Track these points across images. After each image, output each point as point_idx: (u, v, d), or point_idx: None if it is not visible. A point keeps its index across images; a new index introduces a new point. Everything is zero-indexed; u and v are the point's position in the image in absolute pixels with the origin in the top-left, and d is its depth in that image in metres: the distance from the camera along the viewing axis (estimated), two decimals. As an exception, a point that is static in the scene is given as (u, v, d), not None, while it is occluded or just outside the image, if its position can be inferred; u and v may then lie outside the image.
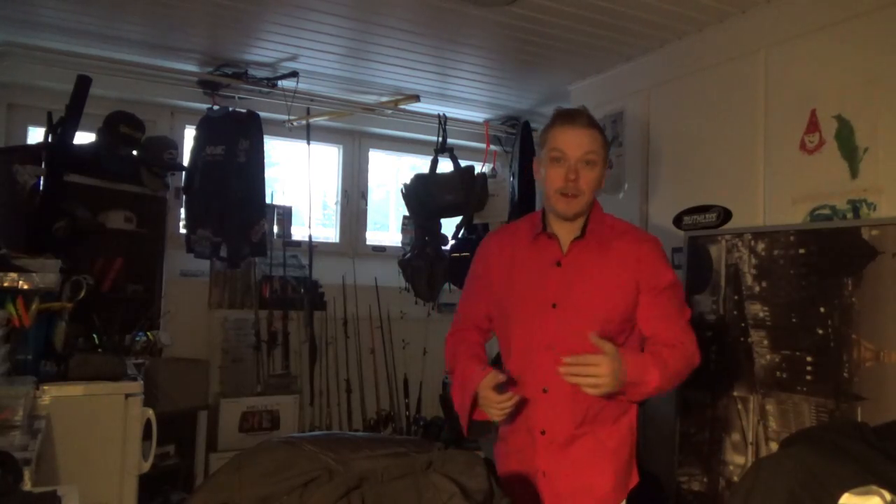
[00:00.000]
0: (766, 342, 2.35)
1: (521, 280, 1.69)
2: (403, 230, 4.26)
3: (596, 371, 1.45)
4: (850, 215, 2.20)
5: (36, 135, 3.47)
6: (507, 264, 1.72)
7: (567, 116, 1.64)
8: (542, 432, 1.63)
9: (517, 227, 1.81)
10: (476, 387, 1.57)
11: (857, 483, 0.98)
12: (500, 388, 1.55)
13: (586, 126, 1.63)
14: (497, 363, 1.78)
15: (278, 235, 3.91)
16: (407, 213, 4.07)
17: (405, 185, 3.88)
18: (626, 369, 1.48)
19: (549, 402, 1.62)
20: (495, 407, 1.55)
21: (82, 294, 2.32)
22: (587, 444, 1.63)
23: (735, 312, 2.46)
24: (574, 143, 1.60)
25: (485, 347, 1.80)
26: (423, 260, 3.86)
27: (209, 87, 3.60)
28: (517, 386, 1.62)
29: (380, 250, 4.42)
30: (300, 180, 4.03)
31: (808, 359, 2.21)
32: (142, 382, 2.28)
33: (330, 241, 4.35)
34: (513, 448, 1.70)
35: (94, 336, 2.63)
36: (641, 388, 1.53)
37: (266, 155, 3.70)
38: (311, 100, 3.79)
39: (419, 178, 3.87)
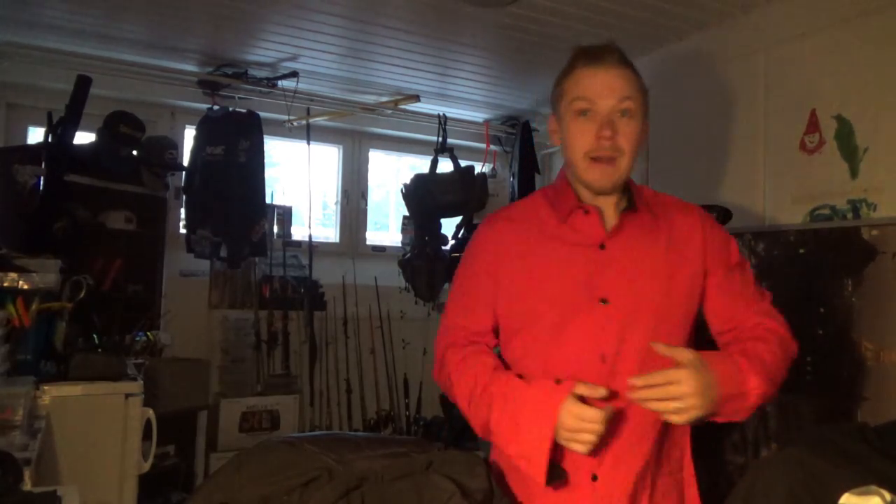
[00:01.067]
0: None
1: (551, 269, 1.25)
2: (403, 230, 4.27)
3: (679, 391, 1.07)
4: (850, 215, 2.20)
5: (36, 135, 3.46)
6: (524, 251, 1.28)
7: (592, 55, 1.24)
8: (594, 478, 1.19)
9: (529, 206, 1.36)
10: (559, 407, 1.09)
11: (857, 483, 0.98)
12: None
13: (619, 64, 1.22)
14: None
15: (278, 235, 3.91)
16: (407, 213, 4.08)
17: (405, 185, 3.88)
18: (718, 380, 1.10)
19: (609, 436, 1.16)
20: (589, 427, 1.07)
21: (82, 294, 2.32)
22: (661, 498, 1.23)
23: (735, 312, 2.46)
24: (605, 87, 1.20)
25: None
26: (423, 260, 3.86)
27: (209, 87, 3.60)
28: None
29: (380, 250, 4.42)
30: (300, 180, 4.03)
31: (808, 359, 2.21)
32: (142, 382, 2.28)
33: (330, 241, 4.35)
34: (534, 494, 1.21)
35: (94, 336, 2.63)
36: (741, 401, 1.15)
37: (266, 155, 3.70)
38: (311, 100, 3.79)
39: (419, 178, 3.87)
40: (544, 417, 1.10)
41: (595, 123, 1.21)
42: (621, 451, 1.20)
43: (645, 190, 1.37)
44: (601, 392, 1.11)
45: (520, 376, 1.21)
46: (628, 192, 1.31)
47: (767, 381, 1.17)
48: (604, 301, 1.21)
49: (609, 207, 1.29)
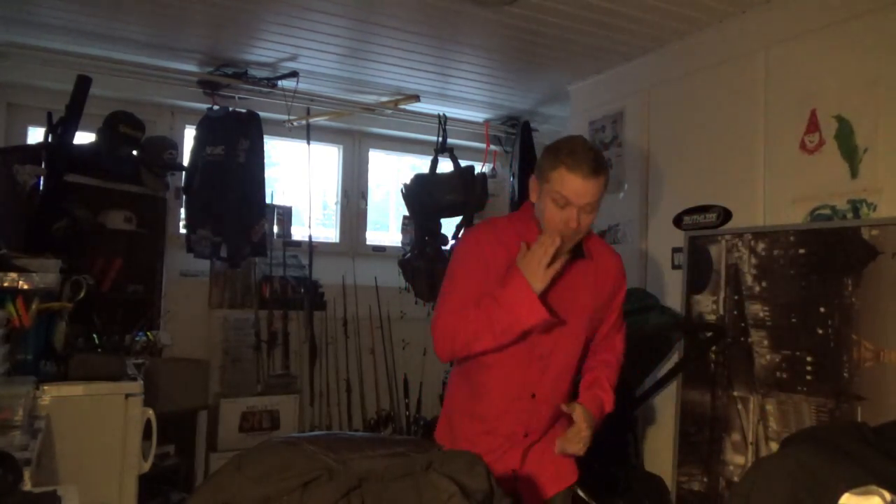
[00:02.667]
0: (766, 342, 2.35)
1: None
2: (403, 230, 4.27)
3: (585, 436, 1.64)
4: (850, 215, 2.20)
5: (36, 135, 3.47)
6: (504, 265, 1.62)
7: (574, 163, 1.53)
8: (525, 434, 1.69)
9: (506, 229, 1.71)
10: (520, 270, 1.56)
11: (857, 483, 0.98)
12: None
13: (593, 174, 1.54)
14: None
15: (278, 235, 3.92)
16: (407, 213, 4.08)
17: (405, 185, 3.88)
18: (595, 414, 1.67)
19: (535, 406, 1.68)
20: (550, 246, 1.53)
21: (82, 294, 2.32)
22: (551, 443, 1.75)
23: (735, 312, 2.46)
24: (580, 192, 1.54)
25: None
26: (423, 260, 3.86)
27: (209, 87, 3.60)
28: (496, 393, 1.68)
29: (380, 250, 4.42)
30: (300, 180, 4.04)
31: (808, 359, 2.21)
32: (142, 382, 2.27)
33: (330, 241, 4.35)
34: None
35: (94, 336, 2.63)
36: (601, 418, 1.72)
37: (266, 155, 3.71)
38: (311, 100, 3.79)
39: (419, 178, 3.87)
40: (516, 275, 1.56)
41: (566, 214, 1.56)
42: (547, 417, 1.71)
43: (588, 238, 1.73)
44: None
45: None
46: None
47: (612, 395, 1.73)
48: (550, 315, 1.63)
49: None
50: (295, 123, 3.84)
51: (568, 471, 1.78)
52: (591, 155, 1.55)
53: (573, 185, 1.53)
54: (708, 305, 2.58)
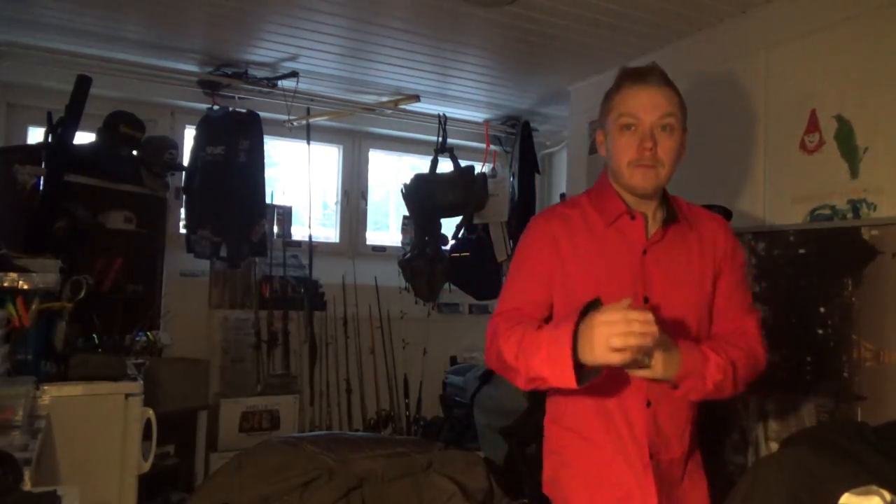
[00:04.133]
0: (766, 342, 2.35)
1: (604, 270, 1.38)
2: (403, 230, 4.27)
3: (652, 335, 1.12)
4: (850, 215, 2.20)
5: (36, 135, 3.47)
6: (577, 252, 1.40)
7: (637, 74, 1.38)
8: (651, 456, 1.35)
9: (574, 209, 1.47)
10: (574, 319, 1.17)
11: (857, 483, 0.98)
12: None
13: (661, 84, 1.36)
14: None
15: (278, 235, 3.91)
16: (407, 213, 4.08)
17: (405, 185, 3.88)
18: (682, 352, 1.24)
19: (653, 416, 1.35)
20: (639, 327, 1.11)
21: (82, 294, 2.31)
22: (696, 481, 1.43)
23: (735, 312, 2.46)
24: (648, 104, 1.33)
25: None
26: (423, 260, 3.86)
27: (209, 87, 3.60)
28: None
29: (380, 250, 4.42)
30: (300, 180, 4.03)
31: (808, 359, 2.21)
32: (142, 382, 2.27)
33: (330, 241, 4.35)
34: (592, 476, 1.37)
35: (94, 336, 2.63)
36: (699, 381, 1.27)
37: (266, 155, 3.70)
38: (311, 100, 3.79)
39: (419, 178, 3.87)
40: (564, 331, 1.18)
41: (639, 136, 1.33)
42: (667, 424, 1.39)
43: (679, 201, 1.48)
44: (626, 302, 1.16)
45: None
46: (666, 203, 1.43)
47: (726, 376, 1.30)
48: (646, 300, 1.35)
49: (650, 215, 1.42)
50: (295, 123, 3.84)
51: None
52: (658, 69, 1.39)
53: (640, 97, 1.34)
54: (708, 305, 2.58)
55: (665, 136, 1.34)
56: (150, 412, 2.23)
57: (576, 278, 1.39)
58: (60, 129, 2.85)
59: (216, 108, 3.62)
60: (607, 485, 1.36)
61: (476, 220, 4.11)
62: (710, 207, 2.68)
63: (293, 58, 3.32)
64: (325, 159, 4.38)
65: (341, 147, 4.40)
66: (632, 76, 1.38)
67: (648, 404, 1.35)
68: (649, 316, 1.12)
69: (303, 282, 3.88)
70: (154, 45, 3.21)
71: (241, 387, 3.65)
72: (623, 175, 1.37)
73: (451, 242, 4.03)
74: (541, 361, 1.21)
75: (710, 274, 1.41)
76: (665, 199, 1.44)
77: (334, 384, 3.91)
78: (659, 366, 1.21)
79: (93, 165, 3.10)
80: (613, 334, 1.10)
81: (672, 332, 1.27)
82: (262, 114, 3.64)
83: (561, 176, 4.45)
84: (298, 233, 4.00)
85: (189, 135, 3.77)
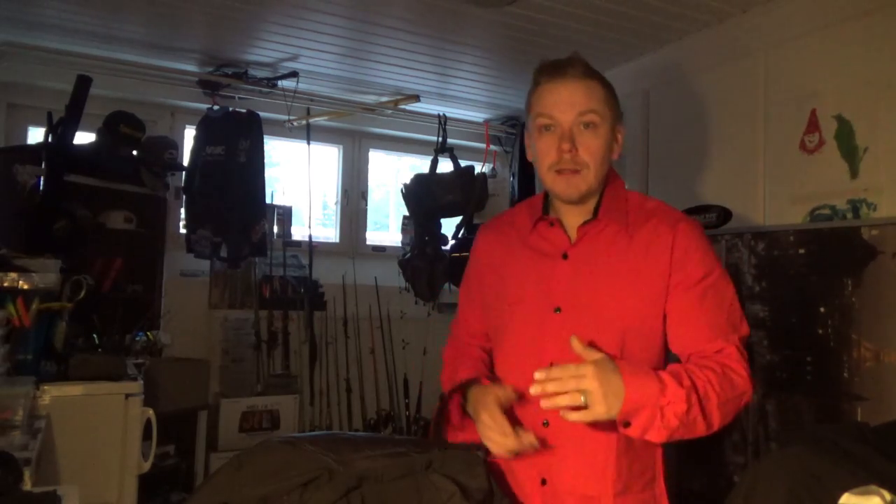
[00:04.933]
0: (766, 342, 2.35)
1: (517, 278, 1.29)
2: (403, 230, 4.26)
3: (580, 385, 1.00)
4: (850, 215, 2.20)
5: (36, 135, 3.46)
6: (500, 261, 1.34)
7: (553, 69, 1.23)
8: (543, 482, 1.22)
9: (514, 214, 1.41)
10: (474, 390, 1.22)
11: (857, 483, 0.98)
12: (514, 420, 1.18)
13: (580, 77, 1.21)
14: None
15: (278, 235, 3.91)
16: (407, 213, 4.08)
17: (405, 185, 3.88)
18: (627, 385, 1.02)
19: (552, 440, 1.20)
20: (498, 436, 1.12)
21: (82, 294, 2.32)
22: None
23: (735, 312, 2.46)
24: (565, 102, 1.20)
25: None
26: (423, 260, 3.86)
27: (209, 87, 3.60)
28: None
29: (380, 250, 4.42)
30: (300, 180, 4.03)
31: (808, 359, 2.21)
32: (142, 382, 2.28)
33: (330, 241, 4.35)
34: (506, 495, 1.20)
35: (94, 336, 2.63)
36: (656, 417, 1.04)
37: (266, 155, 3.70)
38: (311, 100, 3.79)
39: (419, 178, 3.87)
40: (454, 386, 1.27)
41: (557, 137, 1.21)
42: (572, 460, 1.21)
43: (631, 197, 1.31)
44: (513, 396, 1.18)
45: (483, 366, 1.36)
46: (598, 202, 1.28)
47: (693, 405, 1.06)
48: (558, 310, 1.23)
49: (577, 218, 1.28)
50: (295, 123, 3.84)
51: None
52: (577, 60, 1.23)
53: (556, 94, 1.21)
54: (708, 305, 2.58)
55: (588, 136, 1.20)
56: (150, 412, 2.23)
57: (492, 288, 1.34)
58: (60, 129, 2.85)
59: (216, 108, 3.62)
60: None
61: (476, 220, 4.11)
62: (709, 208, 2.70)
63: (293, 58, 3.32)
64: (325, 159, 4.38)
65: (341, 147, 4.40)
66: (547, 71, 1.24)
67: (545, 424, 1.20)
68: (501, 428, 1.14)
69: (303, 282, 3.88)
70: (154, 45, 3.20)
71: (241, 387, 3.65)
72: (545, 180, 1.25)
73: (451, 242, 4.03)
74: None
75: (656, 283, 1.20)
76: (599, 199, 1.27)
77: (334, 384, 3.91)
78: (599, 404, 1.00)
79: (93, 165, 3.10)
80: (487, 438, 1.16)
81: (589, 344, 1.10)
82: (262, 114, 3.63)
83: (561, 176, 4.44)
84: (298, 233, 4.00)
85: (189, 135, 3.77)
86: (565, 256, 1.26)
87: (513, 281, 1.31)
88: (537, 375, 1.03)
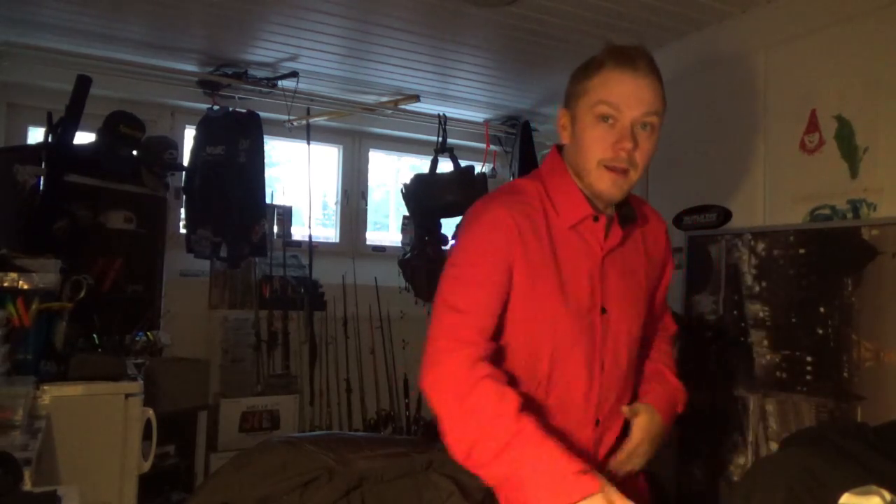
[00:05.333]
0: (766, 342, 2.35)
1: (568, 273, 1.20)
2: (403, 230, 4.26)
3: (642, 451, 1.28)
4: (850, 215, 2.20)
5: (36, 135, 3.46)
6: (535, 248, 1.19)
7: (625, 57, 1.16)
8: (597, 423, 1.28)
9: (533, 201, 1.24)
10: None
11: (857, 483, 0.98)
12: None
13: (650, 73, 1.17)
14: None
15: (278, 235, 3.91)
16: (407, 213, 4.08)
17: (405, 185, 3.88)
18: (665, 421, 1.30)
19: (600, 434, 1.27)
20: None
21: (82, 294, 2.32)
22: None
23: (735, 312, 2.46)
24: (633, 97, 1.14)
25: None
26: (422, 260, 3.85)
27: (209, 87, 3.60)
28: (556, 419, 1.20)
29: (380, 250, 4.42)
30: (300, 180, 4.03)
31: (808, 359, 2.21)
32: (142, 382, 2.28)
33: (330, 241, 4.35)
34: None
35: (94, 336, 2.63)
36: (672, 419, 1.36)
37: (266, 155, 3.70)
38: (311, 100, 3.79)
39: (419, 178, 3.87)
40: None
41: (616, 132, 1.15)
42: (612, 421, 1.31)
43: (630, 197, 1.31)
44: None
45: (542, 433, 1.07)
46: (624, 201, 1.27)
47: (679, 391, 1.39)
48: (604, 311, 1.23)
49: (606, 215, 1.26)
50: (295, 123, 3.84)
51: (642, 489, 1.38)
52: (647, 54, 1.18)
53: (625, 85, 1.14)
54: (708, 305, 2.58)
55: (645, 137, 1.17)
56: (150, 412, 2.23)
57: (536, 281, 1.18)
58: (60, 129, 2.85)
59: (216, 108, 3.62)
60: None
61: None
62: (709, 207, 2.70)
63: (293, 58, 3.32)
64: (325, 159, 4.38)
65: (341, 147, 4.40)
66: (618, 57, 1.16)
67: (597, 423, 1.27)
68: None
69: (303, 282, 3.88)
70: (154, 45, 3.20)
71: (241, 387, 3.65)
72: (589, 174, 1.18)
73: (451, 242, 4.03)
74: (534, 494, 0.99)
75: (654, 276, 1.35)
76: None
77: (334, 384, 3.91)
78: (649, 455, 1.30)
79: (93, 165, 3.10)
80: None
81: (621, 342, 1.25)
82: (262, 114, 3.63)
83: (561, 176, 4.45)
84: (298, 233, 4.00)
85: (189, 135, 3.77)
86: (606, 255, 1.24)
87: (564, 274, 1.19)
88: (615, 464, 1.28)
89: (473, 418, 1.07)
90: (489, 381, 1.09)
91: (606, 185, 1.18)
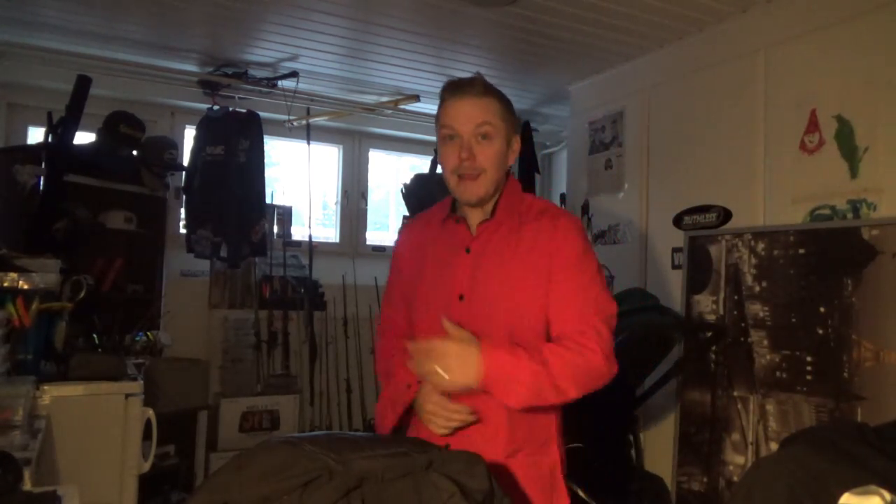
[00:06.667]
0: (766, 342, 2.35)
1: (429, 270, 1.48)
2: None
3: (439, 358, 1.27)
4: (850, 215, 2.20)
5: (36, 135, 3.47)
6: (416, 255, 1.53)
7: (455, 87, 1.42)
8: (447, 446, 1.26)
9: (430, 214, 1.61)
10: (414, 394, 1.38)
11: (857, 483, 0.98)
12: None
13: (478, 95, 1.40)
14: None
15: (278, 235, 3.92)
16: (407, 213, 4.08)
17: (405, 185, 3.88)
18: (485, 361, 1.26)
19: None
20: (445, 416, 1.32)
21: (82, 294, 2.32)
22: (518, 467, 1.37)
23: (735, 312, 2.46)
24: (464, 115, 1.39)
25: None
26: (423, 260, 3.86)
27: (209, 87, 3.60)
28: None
29: (380, 250, 4.42)
30: (300, 180, 4.03)
31: (808, 359, 2.21)
32: (142, 382, 2.27)
33: (330, 241, 4.35)
34: None
35: (94, 336, 2.63)
36: (504, 385, 1.28)
37: (266, 155, 3.71)
38: (311, 100, 3.79)
39: (419, 178, 3.87)
40: (401, 400, 1.43)
41: (457, 146, 1.40)
42: (470, 427, 1.37)
43: (526, 198, 1.50)
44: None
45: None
46: (495, 203, 1.47)
47: (542, 377, 1.28)
48: (461, 297, 1.41)
49: (478, 217, 1.47)
50: (295, 123, 3.84)
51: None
52: (478, 80, 1.42)
53: (456, 108, 1.40)
54: (708, 305, 2.58)
55: (484, 145, 1.40)
56: (150, 412, 2.23)
57: (409, 279, 1.52)
58: (60, 129, 2.85)
59: (216, 108, 3.62)
60: None
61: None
62: (709, 207, 2.71)
63: (293, 58, 3.32)
64: (325, 159, 4.38)
65: (341, 147, 4.40)
66: (450, 89, 1.42)
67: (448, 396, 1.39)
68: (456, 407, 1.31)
69: (303, 282, 3.88)
70: (154, 45, 3.21)
71: (241, 387, 3.66)
72: (450, 184, 1.45)
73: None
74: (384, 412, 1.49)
75: (540, 272, 1.38)
76: (496, 201, 1.47)
77: (334, 384, 3.91)
78: (455, 374, 1.27)
79: (93, 165, 3.11)
80: (436, 425, 1.33)
81: (485, 327, 1.34)
82: (262, 114, 3.64)
83: (561, 176, 4.45)
84: (298, 233, 4.00)
85: (189, 135, 3.78)
86: (468, 250, 1.45)
87: (425, 271, 1.49)
88: (409, 347, 1.32)
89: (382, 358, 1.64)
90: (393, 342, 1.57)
91: (460, 190, 1.44)
